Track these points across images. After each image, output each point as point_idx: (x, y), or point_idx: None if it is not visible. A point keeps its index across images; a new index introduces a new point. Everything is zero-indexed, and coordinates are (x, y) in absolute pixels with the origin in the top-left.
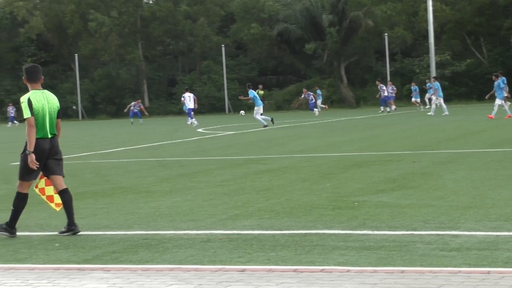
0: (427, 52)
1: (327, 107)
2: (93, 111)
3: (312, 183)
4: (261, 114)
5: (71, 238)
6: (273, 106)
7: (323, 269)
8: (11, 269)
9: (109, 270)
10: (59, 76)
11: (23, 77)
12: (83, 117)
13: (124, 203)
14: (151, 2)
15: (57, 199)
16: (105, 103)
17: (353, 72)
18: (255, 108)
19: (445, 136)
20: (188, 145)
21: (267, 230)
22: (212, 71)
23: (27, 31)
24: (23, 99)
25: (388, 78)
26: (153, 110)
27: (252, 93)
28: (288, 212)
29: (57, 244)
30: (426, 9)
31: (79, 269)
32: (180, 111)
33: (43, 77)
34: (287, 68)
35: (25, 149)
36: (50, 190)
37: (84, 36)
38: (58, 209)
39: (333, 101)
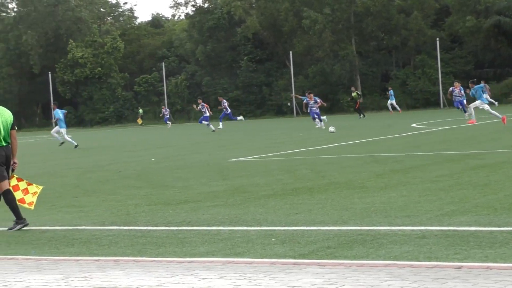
0: None
1: (400, 111)
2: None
3: None
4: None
5: (287, 233)
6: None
7: None
8: (229, 263)
9: (324, 265)
10: (274, 73)
11: None
12: (297, 113)
13: (339, 199)
14: None
15: (28, 199)
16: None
17: None
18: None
19: None
20: (402, 140)
21: (484, 227)
22: (427, 65)
23: (243, 30)
24: None
25: None
26: (366, 105)
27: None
28: (506, 208)
29: (273, 239)
30: None
31: (295, 264)
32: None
33: None
34: (505, 60)
35: None
36: (19, 194)
37: (298, 34)
38: (31, 207)
39: None
